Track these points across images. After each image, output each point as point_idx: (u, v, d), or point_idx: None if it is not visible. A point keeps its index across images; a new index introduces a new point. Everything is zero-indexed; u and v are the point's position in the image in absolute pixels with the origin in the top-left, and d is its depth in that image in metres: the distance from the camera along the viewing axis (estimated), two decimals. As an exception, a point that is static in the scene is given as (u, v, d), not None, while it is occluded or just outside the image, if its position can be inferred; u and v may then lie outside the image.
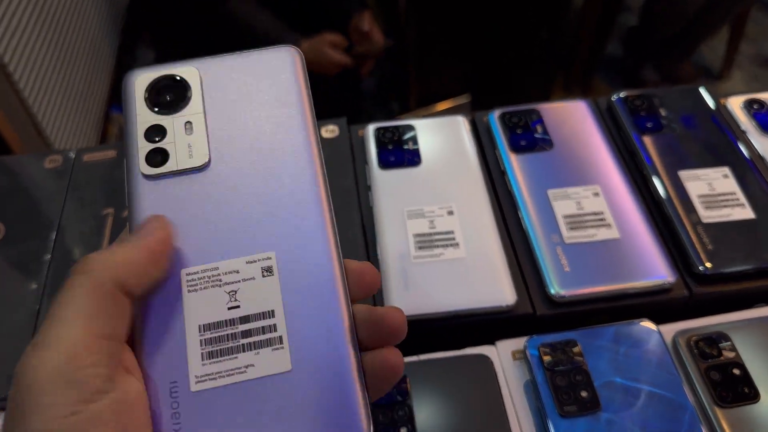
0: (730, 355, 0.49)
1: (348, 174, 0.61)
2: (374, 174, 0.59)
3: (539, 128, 0.62)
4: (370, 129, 0.63)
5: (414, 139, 0.62)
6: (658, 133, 0.61)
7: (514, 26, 1.77)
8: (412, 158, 0.60)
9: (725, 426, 0.45)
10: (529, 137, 0.62)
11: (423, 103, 1.99)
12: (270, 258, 0.30)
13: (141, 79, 0.34)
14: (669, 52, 2.17)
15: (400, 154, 0.61)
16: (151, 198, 0.31)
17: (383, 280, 0.52)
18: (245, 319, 0.29)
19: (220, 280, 0.30)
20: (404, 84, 2.03)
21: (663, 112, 0.63)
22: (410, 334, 0.51)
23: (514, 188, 0.58)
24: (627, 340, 0.49)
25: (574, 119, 0.63)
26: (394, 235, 0.55)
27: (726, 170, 0.58)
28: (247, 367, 0.28)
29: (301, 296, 0.30)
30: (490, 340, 0.51)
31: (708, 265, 0.52)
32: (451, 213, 0.56)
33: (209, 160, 0.32)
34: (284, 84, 0.34)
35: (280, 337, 0.29)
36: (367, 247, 0.56)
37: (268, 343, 0.29)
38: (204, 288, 0.30)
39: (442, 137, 0.62)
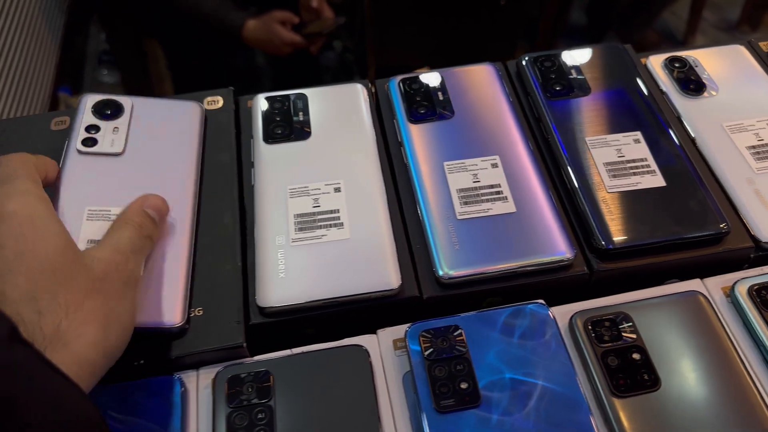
0: (631, 338, 0.44)
1: (228, 149, 0.55)
2: (259, 149, 0.54)
3: (441, 96, 0.57)
4: (259, 99, 0.58)
5: (305, 110, 0.57)
6: (567, 97, 0.57)
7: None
8: (301, 131, 0.55)
9: (622, 418, 0.41)
10: (430, 105, 0.57)
11: (382, 76, 1.94)
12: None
13: (91, 98, 0.55)
14: (631, 19, 2.11)
15: (288, 126, 0.56)
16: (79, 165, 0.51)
17: (257, 268, 0.48)
18: None
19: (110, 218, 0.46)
20: (363, 57, 1.97)
21: (574, 74, 0.58)
22: (289, 327, 0.47)
23: (410, 161, 0.53)
24: (517, 325, 0.45)
25: (479, 84, 0.59)
26: (274, 215, 0.50)
27: (638, 135, 0.54)
28: None
29: None
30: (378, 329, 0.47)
31: (610, 239, 0.48)
32: (338, 190, 0.52)
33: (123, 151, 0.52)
34: (186, 126, 0.55)
35: None
36: (244, 231, 0.51)
37: None
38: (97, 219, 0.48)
39: (336, 107, 0.57)
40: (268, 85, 1.96)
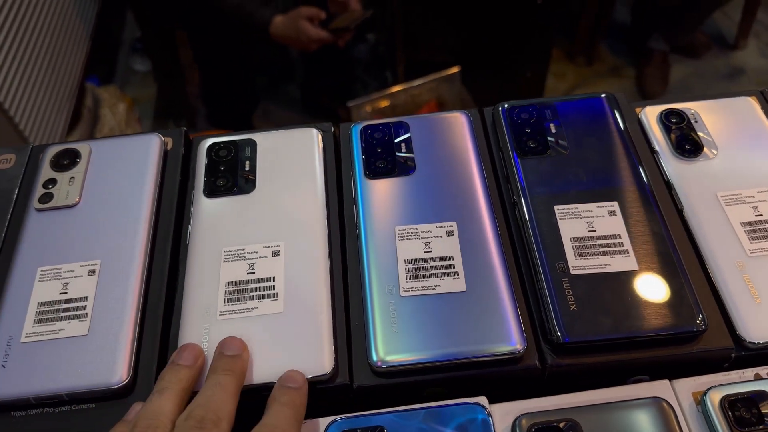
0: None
1: (168, 199, 0.52)
2: (198, 203, 0.51)
3: (404, 147, 0.53)
4: (204, 145, 0.54)
5: (252, 158, 0.53)
6: (542, 156, 0.51)
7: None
8: (246, 182, 0.51)
9: None
10: (390, 159, 0.52)
11: (412, 74, 1.88)
12: (96, 264, 0.47)
13: (50, 150, 0.54)
14: (679, 20, 2.00)
15: (232, 177, 0.51)
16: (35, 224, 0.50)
17: (180, 343, 0.44)
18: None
19: (60, 276, 0.47)
20: (393, 52, 1.92)
21: (554, 129, 0.52)
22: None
23: (362, 223, 0.49)
24: (448, 427, 0.40)
25: (448, 136, 0.53)
26: (204, 283, 0.46)
27: (614, 206, 0.48)
28: None
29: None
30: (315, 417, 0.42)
31: (567, 331, 0.42)
32: (276, 254, 0.47)
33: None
34: (143, 164, 0.53)
35: None
36: (168, 295, 0.47)
37: None
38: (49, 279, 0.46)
39: (287, 155, 0.53)
40: (299, 76, 1.93)
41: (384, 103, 1.68)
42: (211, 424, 0.36)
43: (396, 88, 1.85)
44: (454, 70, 1.82)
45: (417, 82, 1.84)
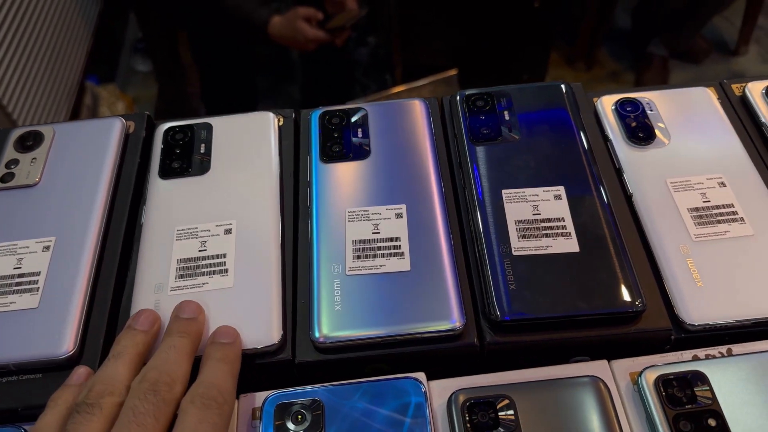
0: (510, 425, 0.40)
1: (127, 181, 0.53)
2: (153, 185, 0.52)
3: (360, 133, 0.53)
4: (160, 129, 0.55)
5: (208, 141, 0.54)
6: (493, 142, 0.52)
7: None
8: (200, 164, 0.52)
9: None
10: (346, 143, 0.53)
11: (410, 77, 1.89)
12: (50, 240, 0.48)
13: (15, 132, 0.55)
14: (679, 25, 2.00)
15: (187, 160, 0.53)
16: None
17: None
18: None
19: (15, 251, 0.48)
20: (391, 56, 1.93)
21: (507, 116, 0.53)
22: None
23: (315, 205, 0.49)
24: (384, 403, 0.41)
25: (404, 121, 0.54)
26: (156, 260, 0.47)
27: (560, 190, 0.48)
28: None
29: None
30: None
31: (506, 309, 0.43)
32: (228, 232, 0.48)
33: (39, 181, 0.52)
34: (103, 146, 0.54)
35: None
36: (120, 272, 0.48)
37: None
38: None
39: (243, 139, 0.54)
40: (300, 78, 1.95)
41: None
42: (166, 387, 0.37)
43: (394, 90, 1.86)
44: (452, 72, 1.83)
45: (415, 85, 1.85)
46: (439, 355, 0.44)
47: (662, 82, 2.01)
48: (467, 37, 1.82)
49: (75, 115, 1.78)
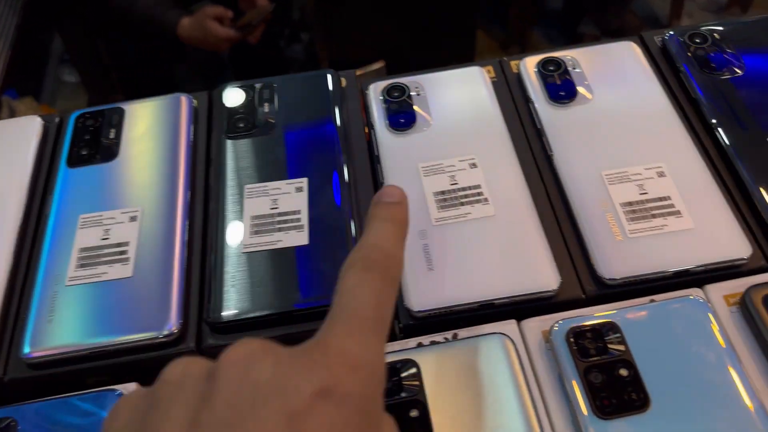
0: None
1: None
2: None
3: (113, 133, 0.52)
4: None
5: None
6: (248, 136, 0.51)
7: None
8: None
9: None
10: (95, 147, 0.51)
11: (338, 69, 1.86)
12: None
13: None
14: (607, 3, 2.02)
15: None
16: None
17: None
18: None
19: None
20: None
21: (266, 108, 0.53)
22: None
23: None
24: (79, 415, 0.38)
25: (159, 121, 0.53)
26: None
27: (302, 182, 0.48)
28: None
29: None
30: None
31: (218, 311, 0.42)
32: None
33: None
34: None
35: None
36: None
37: None
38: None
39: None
40: (232, 79, 1.90)
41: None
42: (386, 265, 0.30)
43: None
44: (379, 65, 1.81)
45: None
46: (158, 363, 0.41)
47: (595, 61, 2.02)
48: (391, 29, 1.80)
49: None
